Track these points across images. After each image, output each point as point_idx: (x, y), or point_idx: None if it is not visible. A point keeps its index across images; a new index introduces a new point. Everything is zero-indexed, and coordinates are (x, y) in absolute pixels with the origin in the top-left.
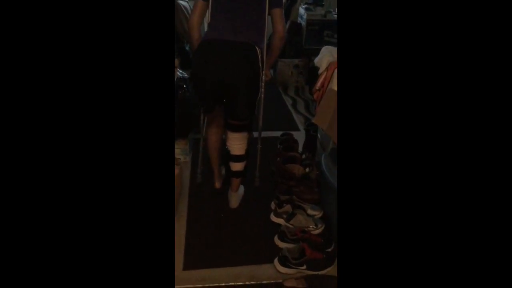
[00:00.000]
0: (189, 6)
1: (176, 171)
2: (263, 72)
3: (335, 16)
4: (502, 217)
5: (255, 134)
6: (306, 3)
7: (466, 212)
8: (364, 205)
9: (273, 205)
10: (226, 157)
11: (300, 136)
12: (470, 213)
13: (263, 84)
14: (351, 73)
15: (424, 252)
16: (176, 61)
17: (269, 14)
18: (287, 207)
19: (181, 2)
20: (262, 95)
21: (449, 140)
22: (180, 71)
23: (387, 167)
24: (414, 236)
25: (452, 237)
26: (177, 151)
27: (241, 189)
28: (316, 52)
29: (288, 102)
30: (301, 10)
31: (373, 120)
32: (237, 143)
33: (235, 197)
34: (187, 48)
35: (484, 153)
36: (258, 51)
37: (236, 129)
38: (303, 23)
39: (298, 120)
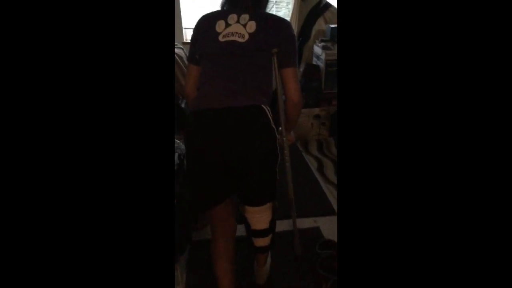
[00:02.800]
0: (185, 53)
1: None
2: (281, 134)
3: None
4: (501, 217)
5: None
6: (322, 41)
7: (466, 218)
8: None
9: None
10: (247, 230)
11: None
12: (469, 214)
13: (285, 151)
14: (351, 80)
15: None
16: None
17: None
18: None
19: (176, 50)
20: (287, 164)
21: (448, 144)
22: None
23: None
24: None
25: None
26: None
27: (268, 262)
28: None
29: (313, 165)
30: (318, 49)
31: (375, 129)
32: (257, 216)
33: (262, 272)
34: (183, 105)
35: (482, 152)
36: (267, 111)
37: (256, 204)
38: (321, 65)
39: (331, 194)
